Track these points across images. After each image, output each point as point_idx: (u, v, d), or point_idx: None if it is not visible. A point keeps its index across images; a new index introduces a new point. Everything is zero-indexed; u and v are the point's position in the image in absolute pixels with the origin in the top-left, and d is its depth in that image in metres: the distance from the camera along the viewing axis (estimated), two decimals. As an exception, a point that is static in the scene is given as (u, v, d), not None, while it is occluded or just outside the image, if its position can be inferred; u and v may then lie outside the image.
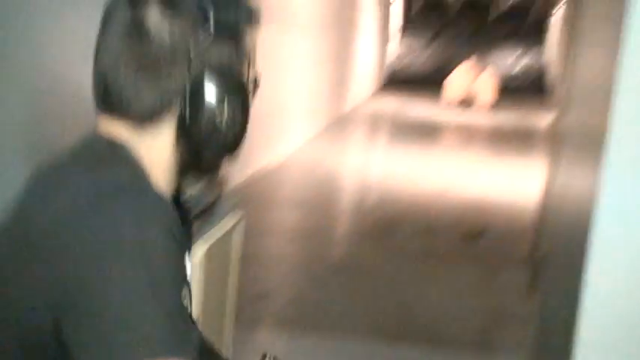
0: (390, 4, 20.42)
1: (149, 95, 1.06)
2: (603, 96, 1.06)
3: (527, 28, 23.65)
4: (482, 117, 15.30)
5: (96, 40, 1.09)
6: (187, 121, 1.06)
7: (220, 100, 1.06)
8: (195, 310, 2.12)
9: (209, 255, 2.19)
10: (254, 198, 7.23)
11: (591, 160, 1.09)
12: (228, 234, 2.37)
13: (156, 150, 1.09)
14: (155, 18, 1.04)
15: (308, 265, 5.24)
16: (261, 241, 5.85)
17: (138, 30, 1.04)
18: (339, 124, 13.00)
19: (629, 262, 1.01)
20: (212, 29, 1.04)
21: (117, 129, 1.09)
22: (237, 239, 2.50)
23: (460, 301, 4.68)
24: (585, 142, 1.24)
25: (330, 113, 12.80)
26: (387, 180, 8.24)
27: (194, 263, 2.14)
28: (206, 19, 1.04)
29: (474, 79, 16.67)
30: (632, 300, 1.01)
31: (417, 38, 23.87)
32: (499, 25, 23.61)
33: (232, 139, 1.11)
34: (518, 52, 23.52)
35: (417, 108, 16.27)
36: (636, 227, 1.00)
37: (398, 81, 21.38)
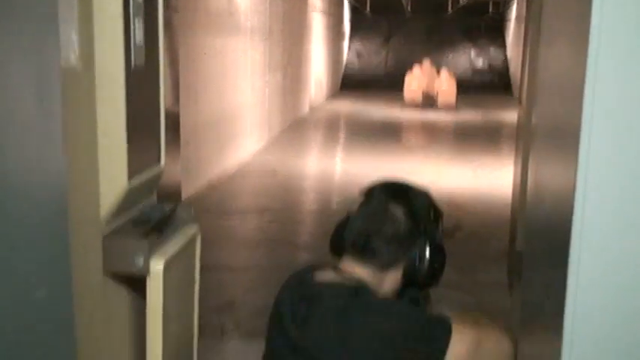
0: (343, 6, 20.33)
1: (390, 256, 1.73)
2: (574, 89, 1.08)
3: (485, 24, 23.73)
4: (444, 116, 15.26)
5: (359, 209, 1.78)
6: (415, 272, 1.74)
7: (433, 259, 1.73)
8: (158, 324, 2.05)
9: (167, 269, 2.05)
10: (212, 207, 6.99)
11: (566, 153, 1.11)
12: (185, 247, 2.23)
13: (382, 285, 1.75)
14: (400, 213, 1.73)
15: (273, 274, 5.01)
16: (221, 252, 5.61)
17: (391, 217, 1.73)
18: (297, 127, 12.81)
19: (613, 251, 1.03)
20: (435, 226, 1.77)
21: (360, 270, 1.74)
22: (194, 252, 2.40)
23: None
24: (558, 135, 1.27)
25: (287, 117, 12.61)
26: (350, 182, 8.05)
27: (152, 278, 2.04)
28: (431, 219, 1.77)
29: (433, 79, 16.62)
30: (618, 286, 1.04)
31: (373, 39, 23.80)
32: (456, 22, 23.65)
33: (436, 278, 1.77)
34: (478, 49, 23.58)
35: (376, 109, 16.18)
36: (617, 217, 1.03)
37: (355, 83, 21.31)
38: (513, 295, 2.33)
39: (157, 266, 2.02)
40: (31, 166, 1.33)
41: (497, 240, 5.71)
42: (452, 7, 19.96)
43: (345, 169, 9.51)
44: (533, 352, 1.40)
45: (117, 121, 1.94)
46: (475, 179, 8.70)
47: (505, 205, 5.80)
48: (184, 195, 6.79)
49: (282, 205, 7.36)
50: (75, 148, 1.88)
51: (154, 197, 2.36)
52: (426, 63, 17.75)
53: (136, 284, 2.13)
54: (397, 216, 1.73)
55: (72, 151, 1.86)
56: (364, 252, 1.74)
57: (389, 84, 19.82)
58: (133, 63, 2.00)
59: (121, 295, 2.14)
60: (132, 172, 2.00)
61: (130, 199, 2.05)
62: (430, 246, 1.74)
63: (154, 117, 2.24)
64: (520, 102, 4.89)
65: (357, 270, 1.74)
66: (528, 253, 1.68)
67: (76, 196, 1.88)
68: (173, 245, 2.16)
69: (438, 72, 17.14)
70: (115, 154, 1.95)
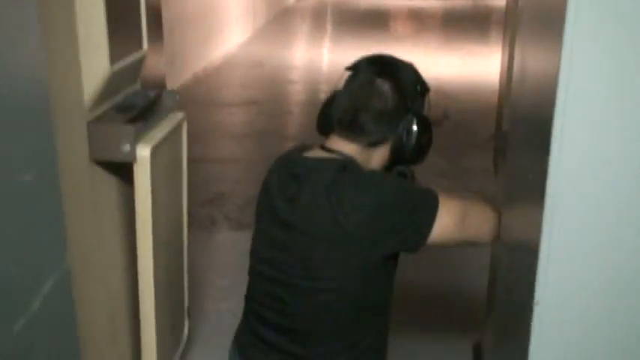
0: None
1: (378, 132, 1.71)
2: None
3: None
4: (433, 2, 14.99)
5: (345, 85, 1.77)
6: (403, 147, 1.74)
7: (420, 134, 1.73)
8: (147, 211, 2.04)
9: (154, 155, 2.04)
10: (198, 99, 6.93)
11: (551, 36, 1.10)
12: (172, 133, 2.21)
13: (370, 162, 1.75)
14: (387, 88, 1.71)
15: (262, 166, 5.03)
16: (209, 144, 5.60)
17: (378, 92, 1.70)
18: (283, 17, 12.58)
19: (594, 127, 1.06)
20: (422, 101, 1.77)
21: (347, 147, 1.72)
22: (181, 139, 2.39)
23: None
24: (544, 18, 1.25)
25: (272, 7, 12.36)
26: (337, 72, 7.95)
27: (139, 164, 2.02)
28: (418, 94, 1.76)
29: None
30: (599, 157, 1.06)
31: None
32: None
33: (423, 154, 1.78)
34: None
35: (363, -2, 15.87)
36: (598, 95, 1.04)
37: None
38: (498, 174, 2.36)
39: (143, 152, 2.01)
40: (8, 52, 1.30)
41: (485, 128, 5.70)
42: None
43: (333, 59, 9.40)
44: (516, 222, 1.43)
45: (95, 4, 1.88)
46: (464, 67, 8.64)
47: (493, 92, 5.76)
48: (169, 88, 6.72)
49: (269, 96, 7.30)
50: (53, 32, 1.83)
51: (138, 85, 2.33)
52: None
53: (124, 172, 2.13)
54: (384, 90, 1.70)
55: (50, 35, 1.81)
56: (351, 128, 1.71)
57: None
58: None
59: (109, 182, 2.14)
60: (114, 57, 1.95)
61: (113, 85, 2.02)
62: (417, 121, 1.72)
63: (134, 1, 2.18)
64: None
65: (344, 147, 1.72)
66: (513, 133, 1.68)
67: (58, 81, 1.84)
68: (159, 131, 2.14)
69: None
70: (95, 39, 1.90)
